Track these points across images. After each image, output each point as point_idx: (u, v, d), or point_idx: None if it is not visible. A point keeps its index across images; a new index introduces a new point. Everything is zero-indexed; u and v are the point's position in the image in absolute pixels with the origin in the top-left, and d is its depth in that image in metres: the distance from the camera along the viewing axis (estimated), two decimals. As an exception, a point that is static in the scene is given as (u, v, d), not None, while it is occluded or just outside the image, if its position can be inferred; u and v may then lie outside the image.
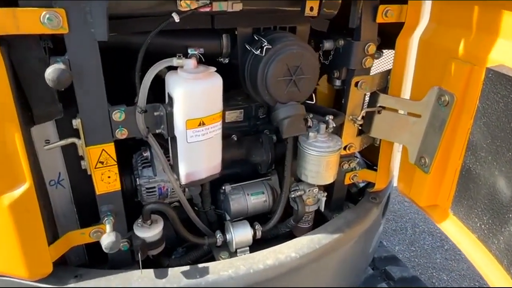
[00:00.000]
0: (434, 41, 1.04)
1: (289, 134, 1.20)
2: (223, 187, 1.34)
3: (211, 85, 1.08)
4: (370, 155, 1.53)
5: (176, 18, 0.97)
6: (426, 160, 1.12)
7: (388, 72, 1.26)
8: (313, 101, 1.19)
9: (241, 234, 1.21)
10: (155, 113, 1.05)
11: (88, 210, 1.08)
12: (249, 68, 1.13)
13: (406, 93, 1.24)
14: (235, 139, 1.31)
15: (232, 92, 1.29)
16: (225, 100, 1.17)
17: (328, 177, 1.26)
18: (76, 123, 0.95)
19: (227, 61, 1.18)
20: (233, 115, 1.34)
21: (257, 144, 1.33)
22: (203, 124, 1.09)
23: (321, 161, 1.22)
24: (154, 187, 1.21)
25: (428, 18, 1.08)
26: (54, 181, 1.05)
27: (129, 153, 1.17)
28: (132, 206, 1.16)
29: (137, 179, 1.19)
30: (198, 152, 1.12)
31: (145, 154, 1.19)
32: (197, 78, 1.04)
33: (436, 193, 1.14)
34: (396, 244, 2.25)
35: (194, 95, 1.03)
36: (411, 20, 1.11)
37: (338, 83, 1.31)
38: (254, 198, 1.33)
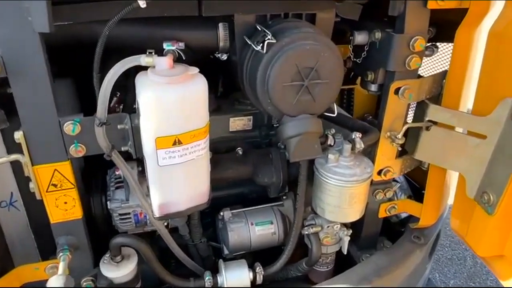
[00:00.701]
0: (511, 35, 0.86)
1: (298, 158, 0.97)
2: (221, 213, 1.18)
3: (190, 91, 0.85)
4: (417, 175, 1.32)
5: (142, 3, 0.77)
6: (490, 196, 0.95)
7: (443, 75, 1.07)
8: (334, 113, 0.96)
9: (236, 277, 1.05)
10: (119, 126, 0.91)
11: (49, 236, 0.95)
12: (248, 68, 0.94)
13: (467, 104, 1.08)
14: (240, 153, 1.15)
15: (239, 94, 1.13)
16: (229, 103, 1.10)
17: (352, 214, 1.08)
18: (19, 136, 0.82)
19: (225, 58, 1.02)
20: (239, 123, 1.18)
21: (266, 160, 1.15)
22: (179, 142, 0.88)
23: (343, 193, 1.03)
24: (129, 214, 1.07)
25: (503, 3, 0.89)
26: (6, 202, 0.95)
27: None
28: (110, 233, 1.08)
29: (108, 203, 1.04)
30: (174, 179, 0.92)
31: (117, 172, 1.05)
32: (171, 82, 0.83)
33: (502, 241, 0.97)
34: (451, 277, 1.87)
35: (166, 105, 0.83)
36: (478, 6, 0.92)
37: (373, 88, 1.12)
38: (260, 229, 1.17)
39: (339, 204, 1.04)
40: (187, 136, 0.89)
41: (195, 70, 0.88)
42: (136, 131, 0.91)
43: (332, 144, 1.03)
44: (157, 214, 0.95)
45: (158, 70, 0.85)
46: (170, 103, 0.84)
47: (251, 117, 1.17)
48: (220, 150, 1.16)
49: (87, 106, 0.91)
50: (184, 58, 0.91)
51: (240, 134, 1.18)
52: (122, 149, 0.92)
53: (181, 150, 0.89)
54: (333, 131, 1.03)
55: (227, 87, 1.20)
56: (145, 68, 0.86)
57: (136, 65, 0.80)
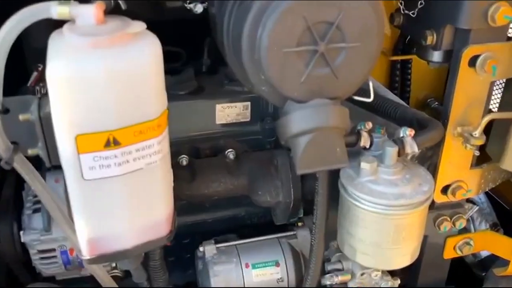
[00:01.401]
0: None
1: (309, 168, 0.90)
2: (201, 248, 1.18)
3: (131, 61, 0.77)
4: (508, 194, 1.32)
5: None
6: None
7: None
8: (369, 97, 0.92)
9: None
10: (22, 117, 0.85)
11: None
12: (231, 26, 0.90)
13: None
14: (232, 157, 1.12)
15: (227, 70, 1.14)
16: (217, 82, 1.16)
17: (400, 257, 1.01)
18: None
19: (201, 11, 1.03)
20: (231, 112, 1.17)
21: (269, 169, 1.14)
22: (116, 143, 0.79)
23: (384, 224, 0.96)
24: (53, 250, 1.03)
25: None
26: None
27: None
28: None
29: (22, 233, 1.03)
30: (110, 200, 0.84)
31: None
32: (99, 45, 0.75)
33: None
34: None
35: (90, 83, 0.75)
36: None
37: (436, 57, 1.05)
38: (259, 273, 1.13)
39: (379, 242, 0.97)
40: (128, 132, 0.79)
41: (140, 26, 0.79)
42: (47, 124, 0.83)
43: (367, 146, 0.97)
44: (86, 255, 0.87)
45: (80, 27, 0.76)
46: (97, 79, 0.74)
47: (249, 103, 1.17)
48: (202, 153, 1.18)
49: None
50: (124, 8, 0.84)
51: (232, 128, 1.18)
52: (30, 152, 0.87)
53: (120, 155, 0.80)
54: (369, 125, 0.97)
55: (215, 57, 1.19)
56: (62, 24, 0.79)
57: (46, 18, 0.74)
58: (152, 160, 0.85)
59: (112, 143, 0.80)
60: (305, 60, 0.84)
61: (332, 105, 0.87)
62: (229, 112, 1.17)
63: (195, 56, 1.31)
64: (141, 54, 0.78)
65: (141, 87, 0.79)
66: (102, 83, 0.76)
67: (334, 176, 1.03)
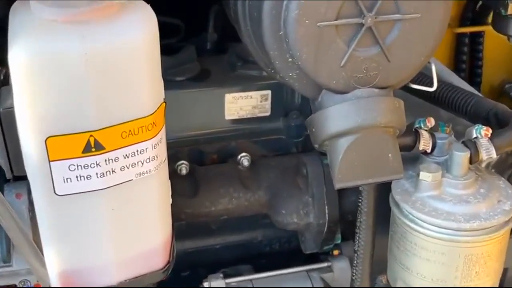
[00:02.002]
0: None
1: (351, 181, 0.93)
2: (205, 284, 1.20)
3: (118, 41, 0.79)
4: None
5: None
6: None
7: None
8: (432, 86, 0.94)
9: None
10: None
11: None
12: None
13: None
14: (246, 163, 1.18)
15: (240, 47, 1.18)
16: (226, 65, 1.23)
17: None
18: None
19: None
20: (245, 104, 1.23)
21: (295, 181, 1.19)
22: (98, 147, 0.82)
23: (452, 254, 0.98)
24: (13, 287, 1.06)
25: None
26: None
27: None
28: None
29: None
30: (90, 222, 0.87)
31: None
32: (75, 20, 0.77)
33: None
34: None
35: (64, 71, 0.77)
36: None
37: None
38: None
39: (444, 278, 0.97)
40: (114, 133, 0.81)
41: (127, -6, 0.78)
42: (8, 122, 0.85)
43: (428, 150, 0.98)
44: (58, 293, 0.86)
45: (45, -2, 0.76)
46: (74, 63, 0.76)
47: (269, 92, 1.20)
48: (206, 158, 1.21)
49: None
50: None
51: (247, 126, 1.22)
52: (-16, 159, 0.87)
53: (103, 163, 0.82)
54: (430, 122, 0.98)
55: (223, 31, 1.25)
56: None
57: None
58: (145, 169, 0.87)
59: (93, 147, 0.81)
60: (347, 37, 0.84)
61: (382, 97, 0.87)
62: (242, 104, 1.20)
63: (197, 30, 1.33)
64: (131, 31, 0.79)
65: (131, 75, 0.81)
66: (80, 69, 0.77)
67: (383, 189, 1.03)
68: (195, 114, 1.20)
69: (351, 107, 0.89)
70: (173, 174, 1.12)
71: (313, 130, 0.94)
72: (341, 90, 0.89)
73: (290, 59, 0.87)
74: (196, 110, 1.20)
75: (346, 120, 0.88)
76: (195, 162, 1.18)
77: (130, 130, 0.83)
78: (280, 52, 0.87)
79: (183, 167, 1.14)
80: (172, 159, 1.13)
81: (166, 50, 1.20)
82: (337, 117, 0.90)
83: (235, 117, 1.21)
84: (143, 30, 0.80)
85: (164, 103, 0.88)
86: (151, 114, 0.84)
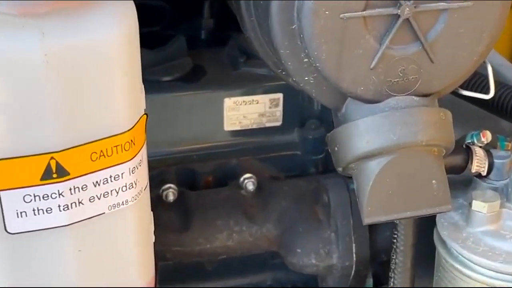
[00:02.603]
0: None
1: (382, 215, 0.95)
2: None
3: (87, 38, 0.80)
4: None
5: None
6: None
7: None
8: (488, 93, 0.97)
9: None
10: None
11: None
12: None
13: None
14: (251, 188, 1.22)
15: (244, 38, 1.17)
16: (226, 61, 1.27)
17: None
18: None
19: None
20: (251, 111, 1.27)
21: (312, 209, 1.23)
22: (61, 173, 0.83)
23: None
24: None
25: None
26: None
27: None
28: None
29: None
30: (50, 266, 0.89)
31: None
32: (34, 12, 0.78)
33: None
34: None
35: (19, 75, 0.78)
36: None
37: None
38: None
39: None
40: (81, 155, 0.82)
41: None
42: None
43: (483, 172, 0.99)
44: None
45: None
46: (31, 66, 0.77)
47: (280, 96, 1.24)
48: (200, 181, 1.24)
49: None
50: None
51: (252, 139, 1.27)
52: None
53: (68, 192, 0.83)
54: (486, 136, 1.00)
55: (221, 17, 1.28)
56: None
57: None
58: (121, 199, 0.88)
59: (54, 172, 0.82)
60: (378, 31, 0.85)
61: (423, 107, 0.88)
62: (246, 111, 1.23)
63: (188, 15, 1.34)
64: (104, 26, 0.80)
65: (103, 80, 0.81)
66: (38, 74, 0.77)
67: (426, 222, 1.04)
68: (185, 124, 1.22)
69: (383, 120, 0.90)
70: (157, 202, 1.14)
71: (335, 149, 0.94)
72: (371, 99, 0.89)
73: (305, 60, 0.87)
74: (186, 119, 1.22)
75: (378, 137, 0.88)
76: (186, 186, 1.19)
77: (101, 151, 0.84)
78: (293, 50, 0.88)
79: (170, 192, 1.16)
80: (156, 182, 1.15)
81: (149, 41, 1.22)
82: (365, 134, 0.89)
83: (237, 127, 1.23)
84: (119, 25, 0.81)
85: (145, 116, 0.89)
86: (129, 130, 0.85)
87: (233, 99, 1.22)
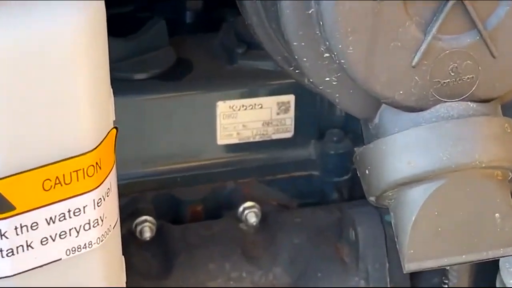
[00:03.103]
0: None
1: (428, 261, 0.95)
2: None
3: (38, 30, 0.81)
4: None
5: None
6: None
7: None
8: None
9: None
10: None
11: None
12: None
13: None
14: (254, 221, 1.26)
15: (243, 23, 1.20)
16: (217, 53, 1.30)
17: None
18: None
19: None
20: (253, 117, 1.30)
21: (334, 249, 1.27)
22: (4, 206, 0.84)
23: None
24: None
25: None
26: None
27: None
28: None
29: None
30: None
31: None
32: None
33: None
34: None
35: None
36: None
37: None
38: None
39: None
40: (28, 183, 0.84)
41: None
42: None
43: None
44: None
45: None
46: None
47: (291, 97, 1.26)
48: (186, 211, 1.26)
49: None
50: None
51: (254, 155, 1.30)
52: None
53: (12, 232, 0.85)
54: None
55: None
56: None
57: None
58: (83, 241, 0.89)
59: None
60: (423, 17, 0.85)
61: (483, 117, 0.90)
62: (246, 119, 1.24)
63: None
64: (59, 11, 0.81)
65: (58, 84, 0.82)
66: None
67: (485, 268, 1.05)
68: (165, 136, 1.23)
69: (430, 134, 0.90)
70: (129, 240, 1.14)
71: (366, 172, 0.94)
72: (413, 106, 0.90)
73: (326, 55, 0.88)
74: (167, 130, 1.23)
75: (423, 157, 0.89)
76: (167, 218, 1.20)
77: (57, 178, 0.85)
78: (309, 42, 0.88)
79: (146, 227, 1.16)
80: (128, 213, 1.16)
81: (117, 26, 1.23)
82: (407, 152, 0.90)
83: (234, 140, 1.25)
84: (79, 10, 0.82)
85: (115, 130, 0.89)
86: (93, 150, 0.86)
87: (229, 102, 1.23)
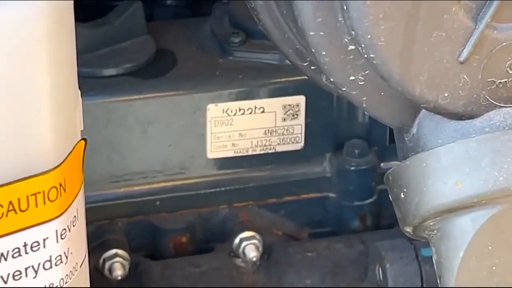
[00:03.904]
0: None
1: None
2: None
3: None
4: None
5: None
6: None
7: None
8: None
9: None
10: None
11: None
12: None
13: None
14: (254, 256, 1.28)
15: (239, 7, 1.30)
16: (207, 42, 1.34)
17: None
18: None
19: None
20: (254, 124, 1.33)
21: None
22: None
23: None
24: None
25: None
26: None
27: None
28: None
29: None
30: None
31: None
32: None
33: None
34: None
35: None
36: None
37: None
38: None
39: None
40: None
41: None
42: None
43: None
44: None
45: None
46: None
47: (301, 99, 1.29)
48: (168, 243, 1.27)
49: None
50: None
51: (254, 173, 1.33)
52: None
53: None
54: None
55: None
56: None
57: None
58: (42, 283, 0.89)
59: None
60: (473, 2, 0.86)
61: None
62: (244, 126, 1.26)
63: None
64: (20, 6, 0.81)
65: (13, 84, 0.83)
66: None
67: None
68: (143, 147, 1.23)
69: (483, 149, 0.90)
70: (96, 279, 1.15)
71: (401, 196, 0.95)
72: (461, 112, 0.91)
73: (351, 47, 0.88)
74: (145, 140, 1.23)
75: (474, 178, 0.90)
76: (144, 252, 1.21)
77: (10, 203, 0.85)
78: (330, 32, 0.89)
79: (118, 263, 1.16)
80: (95, 245, 1.16)
81: (85, 9, 1.23)
82: (453, 171, 0.91)
83: (229, 153, 1.26)
84: (40, 7, 0.81)
85: (84, 142, 0.90)
86: (56, 168, 0.86)
87: (222, 105, 1.25)
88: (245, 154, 1.29)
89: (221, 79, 1.27)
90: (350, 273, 1.26)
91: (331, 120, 1.30)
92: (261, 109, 1.26)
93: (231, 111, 1.26)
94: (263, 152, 1.28)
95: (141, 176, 1.24)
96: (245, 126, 1.27)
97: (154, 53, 1.23)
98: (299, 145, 1.29)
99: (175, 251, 1.26)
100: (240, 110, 1.26)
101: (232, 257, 1.24)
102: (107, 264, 1.16)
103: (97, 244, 1.17)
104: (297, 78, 1.26)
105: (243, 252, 1.24)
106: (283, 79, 1.27)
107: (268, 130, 1.27)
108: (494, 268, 0.94)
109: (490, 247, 0.94)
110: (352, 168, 1.30)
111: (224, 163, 1.28)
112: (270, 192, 1.31)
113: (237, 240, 1.24)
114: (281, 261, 1.26)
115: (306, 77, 1.22)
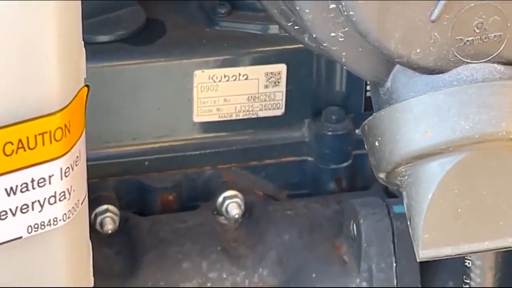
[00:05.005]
0: None
1: (445, 248, 0.98)
2: None
3: None
4: None
5: None
6: None
7: None
8: None
9: None
10: None
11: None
12: None
13: None
14: (236, 213, 1.28)
15: None
16: (194, 11, 1.33)
17: None
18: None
19: None
20: (236, 90, 1.33)
21: (331, 248, 1.30)
22: None
23: None
24: None
25: None
26: None
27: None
28: None
29: None
30: None
31: None
32: None
33: None
34: None
35: None
36: None
37: None
38: None
39: None
40: None
41: None
42: None
43: None
44: None
45: None
46: None
47: (283, 67, 1.29)
48: (156, 200, 1.28)
49: None
50: None
51: (238, 136, 1.33)
52: None
53: None
54: None
55: None
56: None
57: None
58: (47, 217, 0.92)
59: None
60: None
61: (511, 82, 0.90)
62: (228, 92, 1.27)
63: None
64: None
65: (21, 31, 0.86)
66: None
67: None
68: (133, 110, 1.25)
69: (450, 100, 0.92)
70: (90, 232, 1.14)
71: (376, 144, 0.97)
72: (431, 67, 0.91)
73: (332, 6, 0.91)
74: (134, 104, 1.26)
75: (442, 126, 0.91)
76: (133, 209, 1.23)
77: (20, 141, 0.88)
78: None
79: (108, 218, 1.18)
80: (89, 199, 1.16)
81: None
82: (423, 120, 0.91)
83: (214, 118, 1.28)
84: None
85: (87, 88, 0.93)
86: (62, 110, 0.89)
87: (208, 72, 1.26)
88: (229, 118, 1.30)
89: (208, 47, 1.28)
90: (326, 229, 1.27)
91: (310, 88, 1.32)
92: (245, 76, 1.27)
93: (217, 77, 1.27)
94: (246, 117, 1.30)
95: (131, 138, 1.26)
96: (230, 92, 1.28)
97: (144, 22, 1.25)
98: (280, 111, 1.31)
99: (162, 208, 1.27)
100: (225, 76, 1.27)
101: (216, 214, 1.25)
102: (99, 219, 1.18)
103: (89, 201, 1.13)
104: (279, 47, 1.27)
105: (226, 210, 1.25)
106: (266, 48, 1.28)
107: (251, 96, 1.28)
108: (459, 210, 0.97)
109: (456, 191, 0.97)
110: (329, 133, 1.31)
111: (209, 126, 1.30)
112: (252, 155, 1.33)
113: (220, 199, 1.25)
114: (262, 218, 1.27)
115: (288, 47, 1.29)
